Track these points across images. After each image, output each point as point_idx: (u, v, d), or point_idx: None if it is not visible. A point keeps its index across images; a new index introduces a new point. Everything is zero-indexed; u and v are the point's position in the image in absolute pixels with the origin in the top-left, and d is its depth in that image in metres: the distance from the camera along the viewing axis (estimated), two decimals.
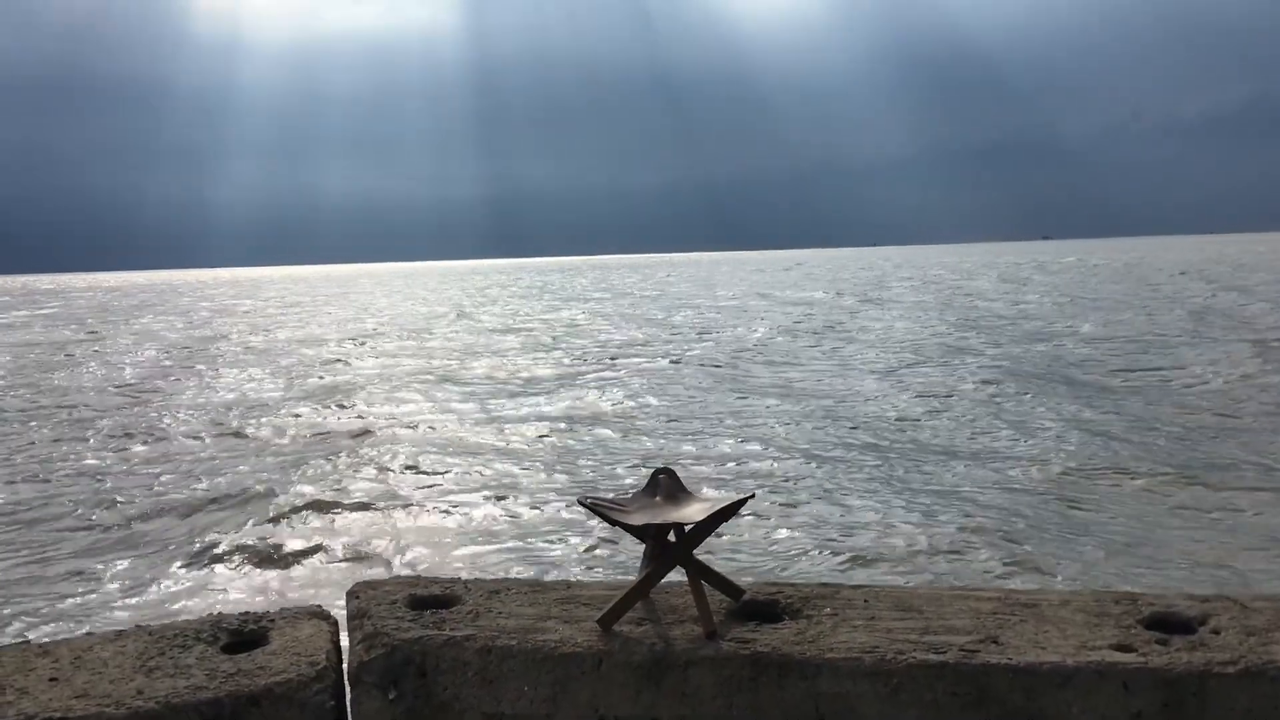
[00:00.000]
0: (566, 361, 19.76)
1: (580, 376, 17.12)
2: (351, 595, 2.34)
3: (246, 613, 2.34)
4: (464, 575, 2.70)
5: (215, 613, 2.42)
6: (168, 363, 21.95)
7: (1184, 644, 2.02)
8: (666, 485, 2.54)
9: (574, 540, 7.14)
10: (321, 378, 18.08)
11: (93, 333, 33.41)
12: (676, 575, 2.33)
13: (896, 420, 11.85)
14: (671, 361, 19.08)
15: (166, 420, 13.51)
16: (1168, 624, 2.13)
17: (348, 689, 2.13)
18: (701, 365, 18.20)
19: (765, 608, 2.30)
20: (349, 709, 2.12)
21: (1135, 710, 1.93)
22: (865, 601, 2.29)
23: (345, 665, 2.17)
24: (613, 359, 19.86)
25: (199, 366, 20.73)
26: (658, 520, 2.29)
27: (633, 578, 2.33)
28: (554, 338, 26.11)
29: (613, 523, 2.39)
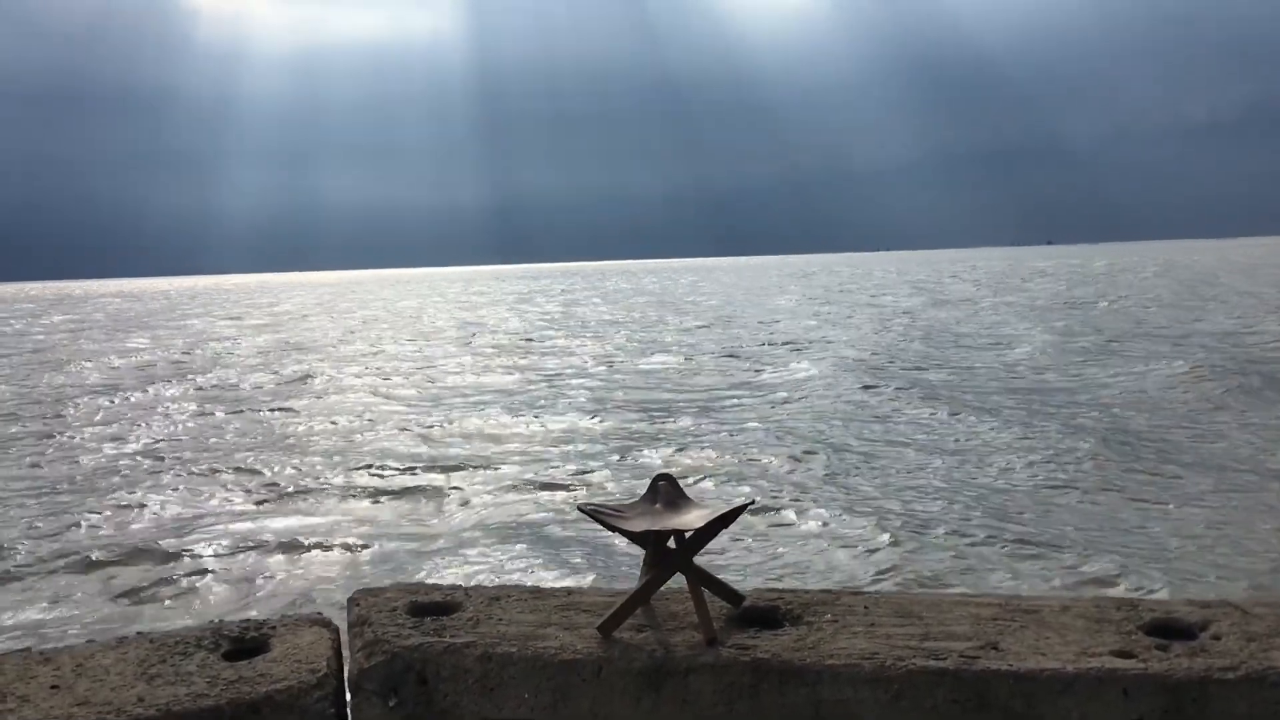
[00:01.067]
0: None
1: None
2: (352, 602, 2.35)
3: (248, 620, 2.35)
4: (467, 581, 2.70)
5: (216, 620, 2.43)
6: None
7: (1184, 650, 2.02)
8: (666, 492, 2.54)
9: None
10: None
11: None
12: (676, 582, 2.33)
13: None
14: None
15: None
16: (1168, 630, 2.13)
17: (348, 696, 2.14)
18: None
19: (766, 614, 2.30)
20: (349, 716, 2.13)
21: (1136, 716, 1.93)
22: (865, 608, 2.29)
23: (346, 673, 2.18)
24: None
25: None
26: (657, 527, 2.29)
27: (633, 585, 2.34)
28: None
29: (612, 529, 2.39)
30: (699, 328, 30.64)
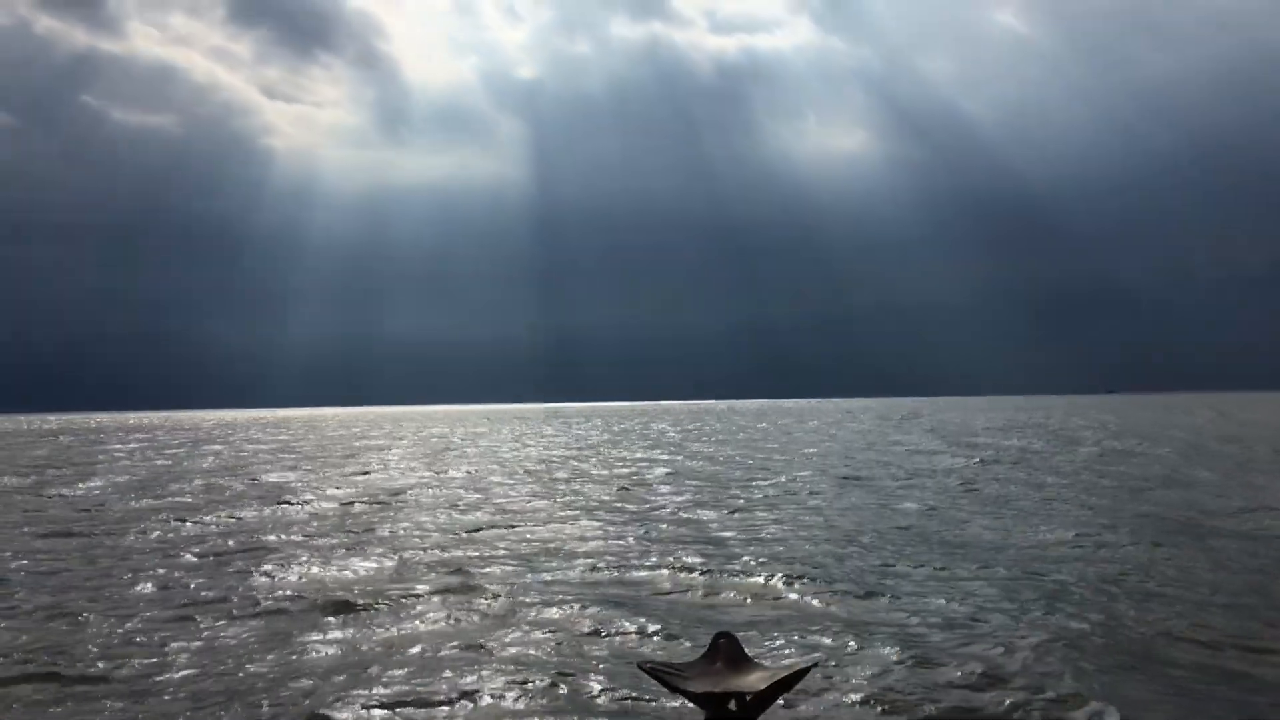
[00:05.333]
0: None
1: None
2: None
3: None
4: None
5: None
6: None
7: None
8: (727, 650, 2.48)
9: None
10: None
11: None
12: None
13: None
14: None
15: None
16: None
17: None
18: None
19: None
20: None
21: None
22: None
23: None
24: None
25: None
26: (718, 689, 2.24)
27: None
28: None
29: (672, 689, 2.34)
30: None
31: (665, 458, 30.31)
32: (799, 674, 2.33)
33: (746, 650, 2.81)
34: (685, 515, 15.17)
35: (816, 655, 6.55)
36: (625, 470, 25.34)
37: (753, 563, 10.51)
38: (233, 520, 15.43)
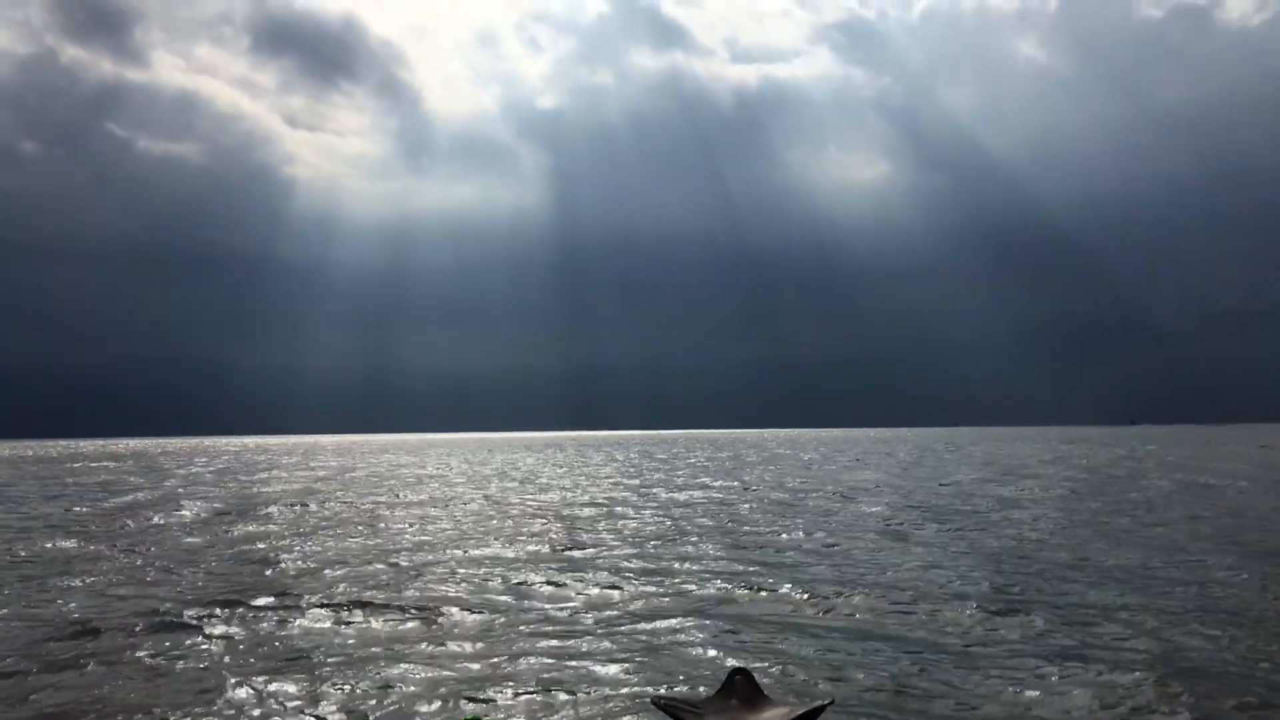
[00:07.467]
0: None
1: None
2: None
3: None
4: None
5: None
6: None
7: None
8: (742, 687, 2.62)
9: None
10: None
11: None
12: None
13: None
14: None
15: None
16: None
17: None
18: None
19: None
20: None
21: None
22: None
23: None
24: None
25: None
26: None
27: None
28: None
29: None
30: None
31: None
32: (815, 712, 2.45)
33: (763, 687, 2.85)
34: None
35: (832, 693, 6.28)
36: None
37: None
38: None
